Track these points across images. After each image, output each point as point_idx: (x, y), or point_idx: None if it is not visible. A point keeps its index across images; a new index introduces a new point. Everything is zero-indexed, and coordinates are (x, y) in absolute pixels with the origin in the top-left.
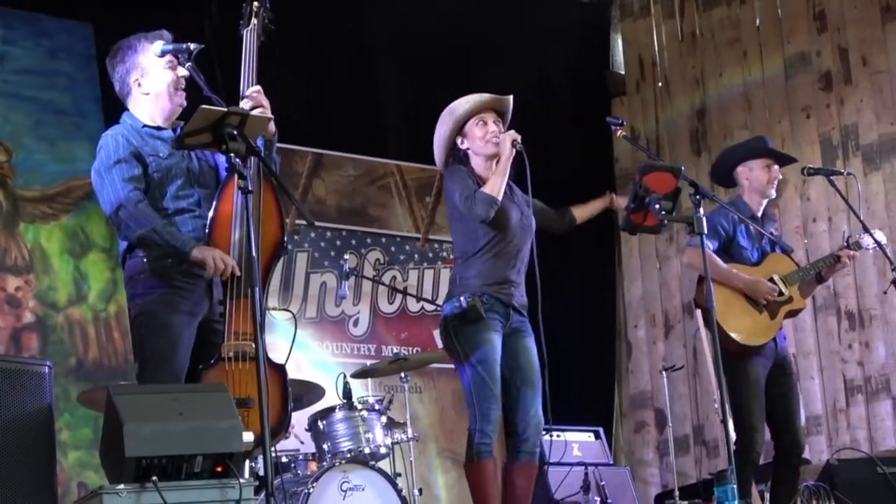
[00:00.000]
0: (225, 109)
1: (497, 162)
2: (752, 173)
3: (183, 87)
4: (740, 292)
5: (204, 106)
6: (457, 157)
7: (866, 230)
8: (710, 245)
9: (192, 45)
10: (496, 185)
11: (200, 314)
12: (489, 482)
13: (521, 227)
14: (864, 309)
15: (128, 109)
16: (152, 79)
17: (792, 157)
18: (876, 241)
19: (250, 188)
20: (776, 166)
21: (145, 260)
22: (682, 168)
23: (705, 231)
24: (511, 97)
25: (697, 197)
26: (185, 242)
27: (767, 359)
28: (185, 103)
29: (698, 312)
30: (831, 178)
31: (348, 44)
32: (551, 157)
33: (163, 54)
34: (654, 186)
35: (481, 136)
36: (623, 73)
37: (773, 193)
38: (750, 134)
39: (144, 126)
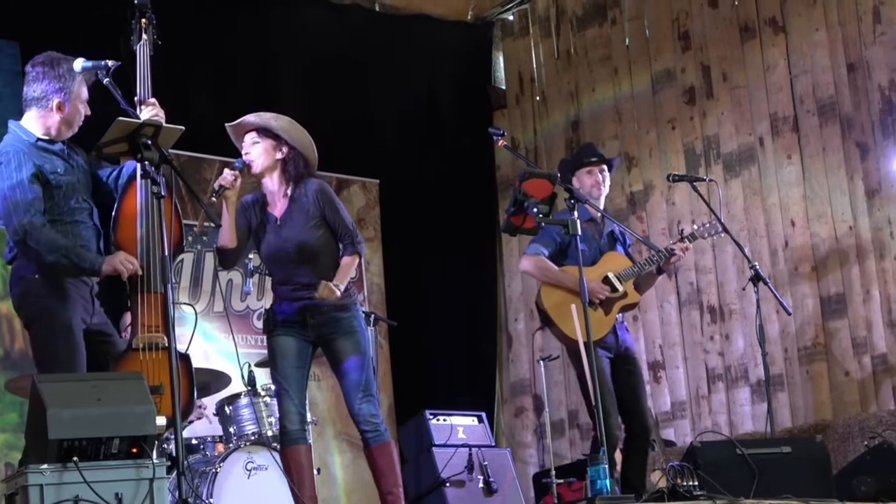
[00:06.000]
0: (141, 121)
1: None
2: (580, 180)
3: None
4: (574, 293)
5: (121, 118)
6: None
7: (726, 231)
8: (544, 251)
9: (110, 62)
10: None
11: (89, 318)
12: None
13: (277, 248)
14: (724, 304)
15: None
16: (73, 109)
17: (609, 159)
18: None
19: (163, 193)
20: (604, 166)
21: (38, 271)
22: (559, 175)
23: (579, 233)
24: (241, 120)
25: (572, 201)
26: (92, 262)
27: (609, 351)
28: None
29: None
30: (694, 184)
31: (253, 58)
32: (438, 164)
33: (83, 70)
34: (532, 192)
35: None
36: (504, 87)
37: (605, 191)
38: (620, 144)
39: (38, 140)
